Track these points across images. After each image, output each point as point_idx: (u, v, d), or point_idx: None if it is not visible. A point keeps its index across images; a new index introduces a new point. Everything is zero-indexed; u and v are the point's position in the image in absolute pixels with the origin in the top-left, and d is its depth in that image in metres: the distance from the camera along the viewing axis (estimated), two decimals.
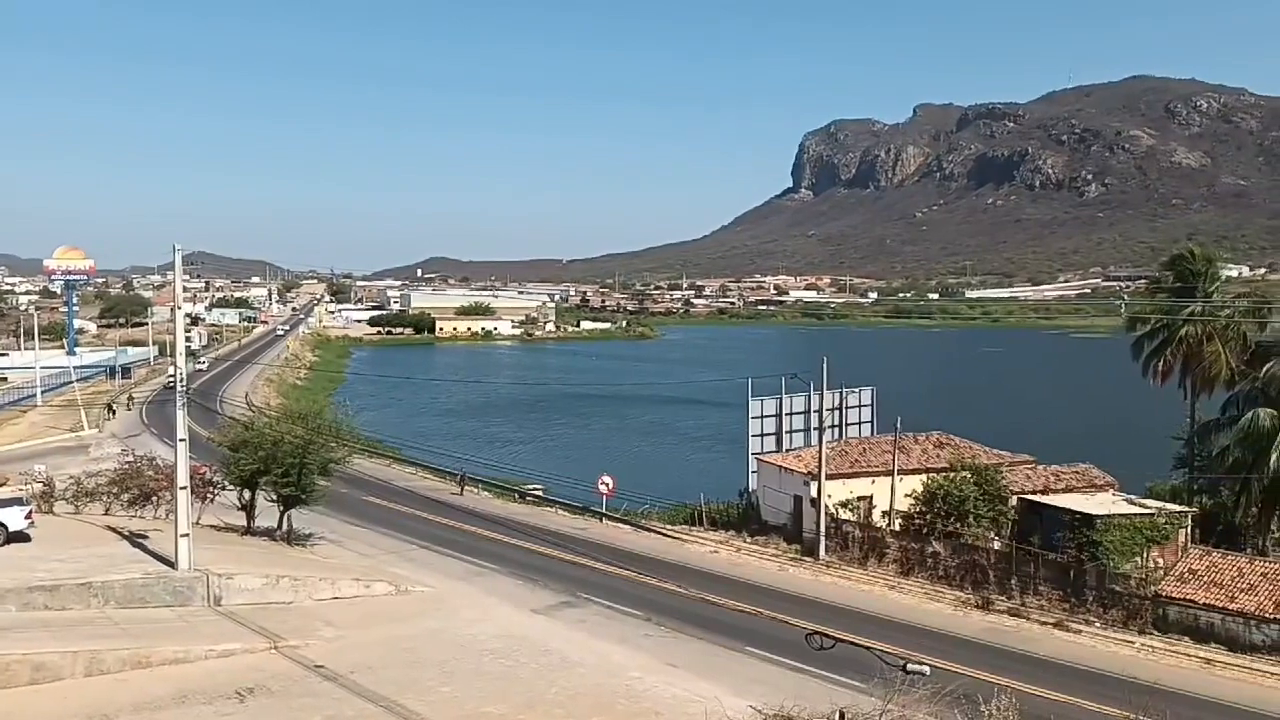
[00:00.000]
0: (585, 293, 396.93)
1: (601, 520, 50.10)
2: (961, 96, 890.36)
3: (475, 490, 57.97)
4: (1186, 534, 38.79)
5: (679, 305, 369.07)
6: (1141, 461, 51.96)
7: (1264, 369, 41.75)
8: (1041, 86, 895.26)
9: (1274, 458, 38.76)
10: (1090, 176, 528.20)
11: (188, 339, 38.53)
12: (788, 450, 49.50)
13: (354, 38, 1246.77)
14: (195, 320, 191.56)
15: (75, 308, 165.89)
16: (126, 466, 38.07)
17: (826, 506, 42.45)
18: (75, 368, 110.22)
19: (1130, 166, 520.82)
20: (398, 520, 47.28)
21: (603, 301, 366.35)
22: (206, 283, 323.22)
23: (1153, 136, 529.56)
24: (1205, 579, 33.48)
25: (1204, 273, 49.32)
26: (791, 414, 50.89)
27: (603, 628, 29.20)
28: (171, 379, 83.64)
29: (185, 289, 28.64)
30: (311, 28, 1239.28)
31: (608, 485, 51.49)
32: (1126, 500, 41.37)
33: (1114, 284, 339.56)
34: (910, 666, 15.38)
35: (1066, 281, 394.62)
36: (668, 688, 21.81)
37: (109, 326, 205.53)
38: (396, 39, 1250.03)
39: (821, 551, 41.86)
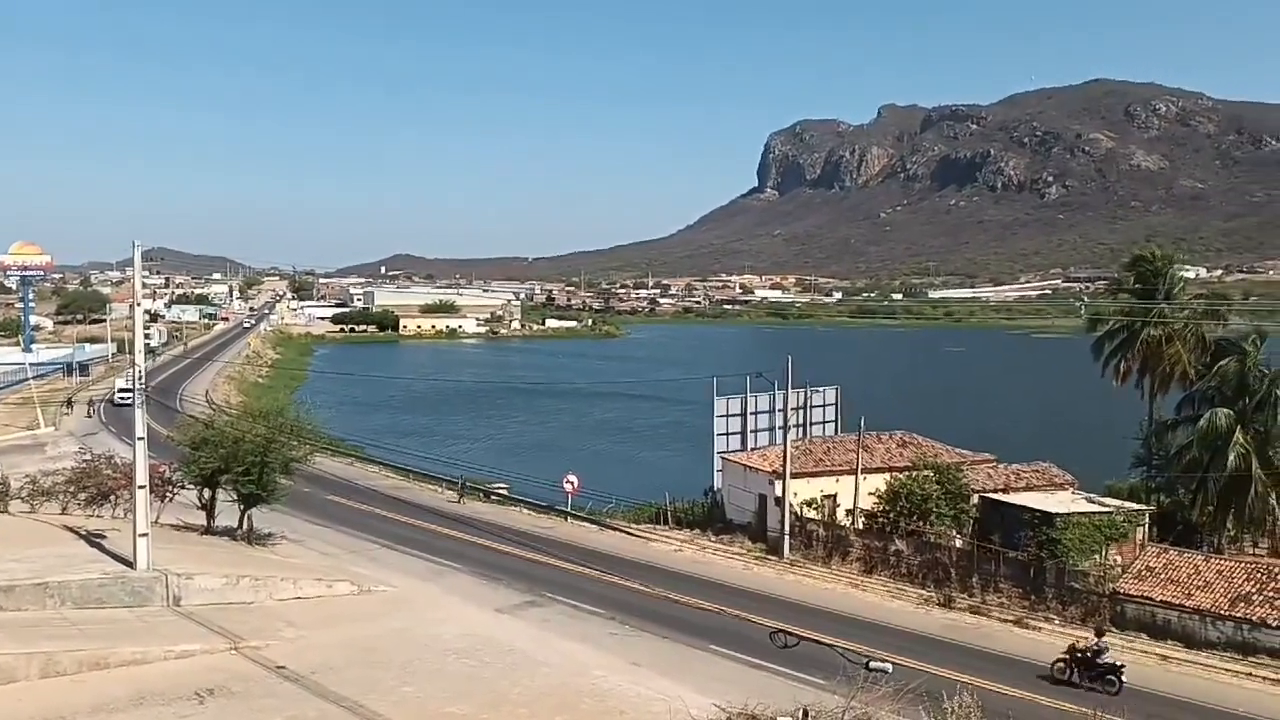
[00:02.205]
0: (551, 291, 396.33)
1: (566, 519, 50.00)
2: (925, 98, 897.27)
3: (476, 498, 55.09)
4: (1144, 532, 39.31)
5: (645, 304, 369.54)
6: (1100, 460, 52.64)
7: (1215, 368, 42.47)
8: (1003, 89, 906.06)
9: (1231, 457, 39.42)
10: (1051, 178, 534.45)
11: (147, 336, 37.93)
12: (752, 449, 49.67)
13: (318, 35, 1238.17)
14: (155, 317, 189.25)
15: (31, 304, 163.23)
16: (84, 465, 37.44)
17: (791, 505, 42.64)
18: (31, 365, 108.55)
19: (1090, 168, 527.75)
20: (360, 519, 46.95)
21: (569, 300, 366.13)
22: (166, 279, 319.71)
23: (1112, 139, 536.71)
24: (1162, 576, 33.96)
25: (1163, 274, 50.12)
26: (756, 413, 51.06)
27: (567, 627, 29.15)
28: (121, 392, 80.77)
29: (145, 285, 28.23)
30: (276, 24, 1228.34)
31: (572, 484, 51.40)
32: (1085, 498, 41.85)
33: (1074, 285, 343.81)
34: (873, 664, 15.48)
35: (1028, 282, 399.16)
36: (632, 687, 21.80)
37: (66, 323, 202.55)
38: (361, 37, 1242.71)
39: (785, 550, 42.03)
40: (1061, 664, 27.63)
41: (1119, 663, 27.28)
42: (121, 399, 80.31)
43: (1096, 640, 27.72)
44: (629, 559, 41.15)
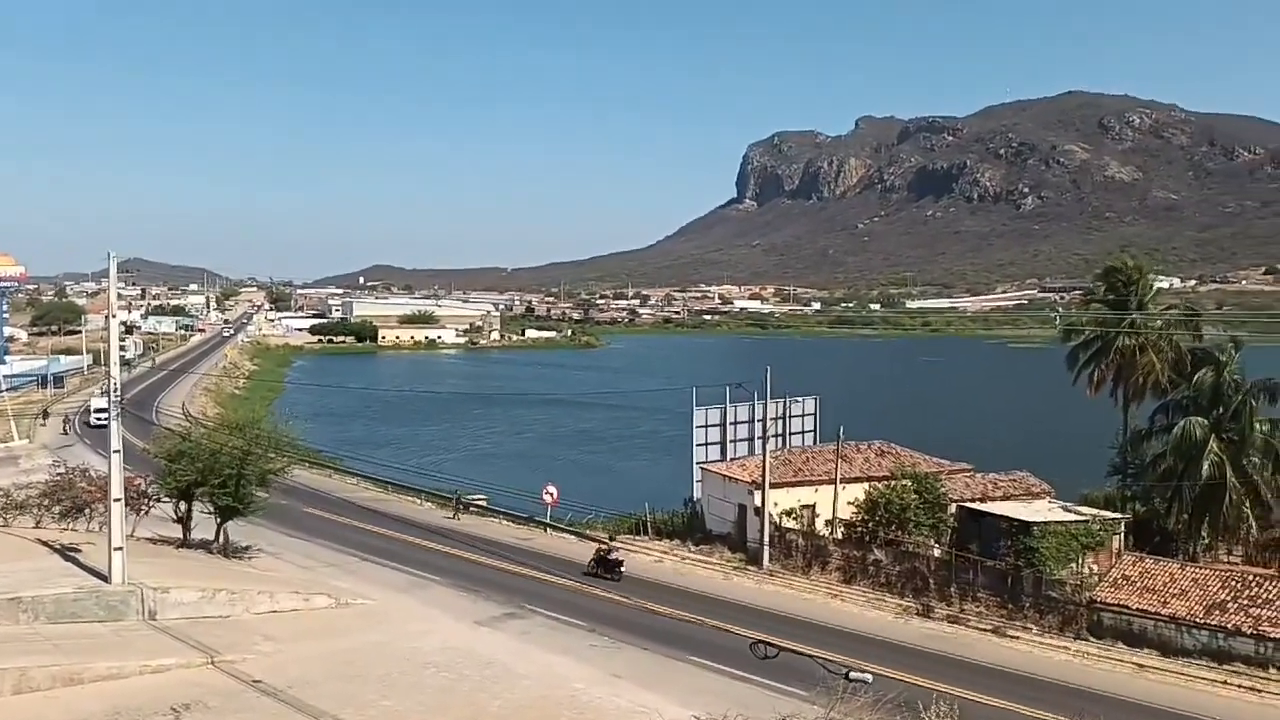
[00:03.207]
0: (530, 301, 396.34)
1: (546, 530, 49.88)
2: (902, 109, 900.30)
3: (471, 513, 54.21)
4: (1120, 540, 39.57)
5: (624, 314, 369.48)
6: (1076, 469, 52.97)
7: (1194, 378, 42.88)
8: (979, 101, 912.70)
9: (1205, 465, 39.77)
10: (1026, 189, 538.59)
11: (122, 348, 37.76)
12: (732, 459, 49.72)
13: (296, 40, 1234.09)
14: (130, 328, 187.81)
15: (5, 315, 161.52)
16: (58, 478, 37.12)
17: (770, 515, 42.70)
18: (5, 377, 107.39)
19: (1065, 180, 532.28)
20: (338, 532, 46.69)
21: (548, 310, 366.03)
22: (143, 290, 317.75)
23: (1087, 151, 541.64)
24: (1138, 585, 34.21)
25: (1137, 284, 50.57)
26: (736, 423, 51.13)
27: (547, 639, 29.04)
28: (97, 413, 76.31)
29: (120, 296, 28.06)
30: (252, 28, 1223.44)
31: (552, 495, 51.24)
32: (1062, 507, 42.07)
33: (1049, 295, 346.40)
34: (852, 675, 15.54)
35: (1004, 292, 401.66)
36: (612, 699, 21.76)
37: (41, 335, 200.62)
38: (341, 44, 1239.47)
39: (765, 560, 42.07)
40: (593, 563, 39.51)
41: (622, 560, 39.52)
42: (98, 420, 71.58)
43: (609, 542, 41.83)
44: None
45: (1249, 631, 30.92)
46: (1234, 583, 33.17)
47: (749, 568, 42.35)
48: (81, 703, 19.03)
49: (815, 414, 53.86)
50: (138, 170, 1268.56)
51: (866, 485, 43.76)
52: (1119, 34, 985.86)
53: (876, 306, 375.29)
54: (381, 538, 46.03)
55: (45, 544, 31.43)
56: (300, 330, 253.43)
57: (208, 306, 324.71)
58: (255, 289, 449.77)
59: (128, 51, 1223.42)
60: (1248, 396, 41.05)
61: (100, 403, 66.99)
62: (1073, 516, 40.05)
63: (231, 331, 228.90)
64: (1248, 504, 40.15)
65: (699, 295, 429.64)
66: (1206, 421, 40.99)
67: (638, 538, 48.27)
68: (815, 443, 52.14)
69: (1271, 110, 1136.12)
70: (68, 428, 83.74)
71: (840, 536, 43.08)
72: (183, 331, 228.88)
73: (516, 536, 48.49)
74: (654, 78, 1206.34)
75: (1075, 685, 28.14)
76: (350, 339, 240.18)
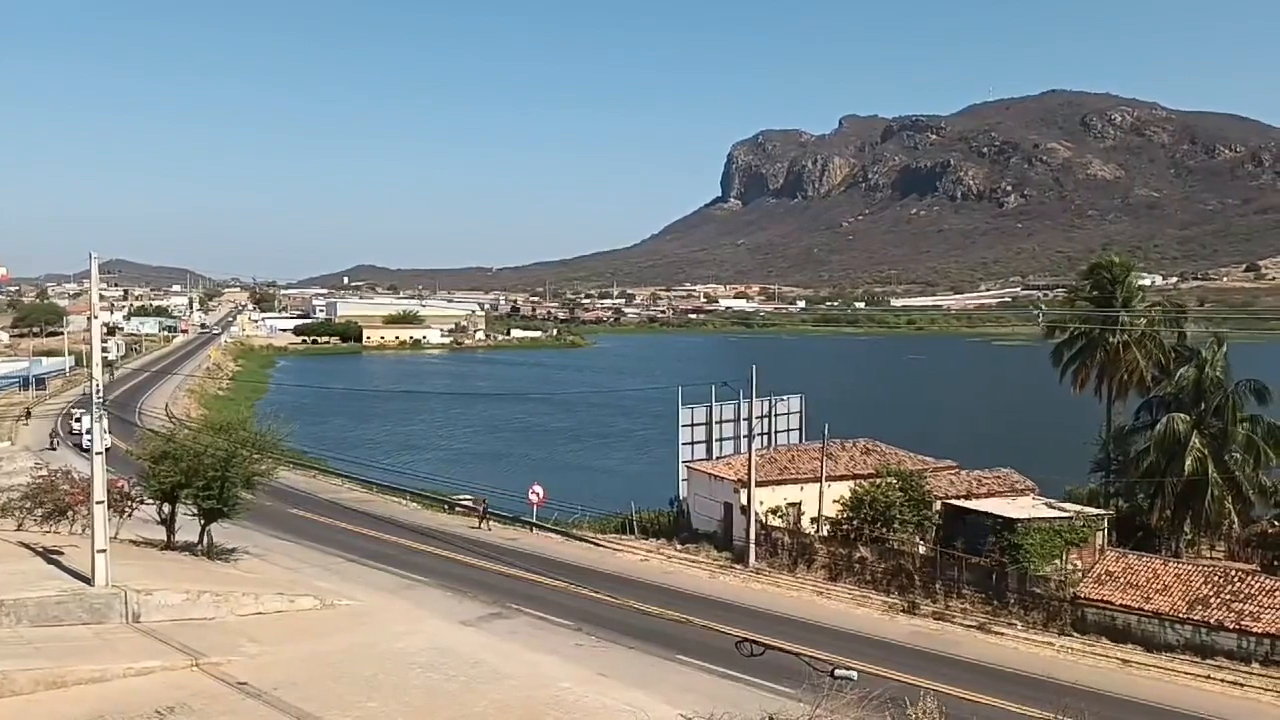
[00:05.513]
0: (516, 301, 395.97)
1: (532, 530, 49.81)
2: (886, 109, 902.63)
3: (497, 523, 52.11)
4: (1103, 536, 39.78)
5: (610, 314, 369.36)
6: (1060, 466, 53.19)
7: (1177, 375, 43.15)
8: (963, 100, 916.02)
9: (1188, 461, 40.00)
10: (1009, 188, 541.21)
11: (105, 349, 37.62)
12: (718, 458, 49.75)
13: (276, 41, 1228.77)
14: (112, 330, 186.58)
15: None
16: (40, 480, 36.90)
17: (756, 513, 42.75)
18: None
19: (1048, 178, 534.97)
20: (324, 533, 46.54)
21: (534, 310, 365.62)
22: (125, 291, 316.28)
23: (1069, 149, 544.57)
24: (1121, 581, 34.37)
25: (1121, 281, 50.84)
26: (721, 422, 51.17)
27: (533, 639, 29.00)
28: (89, 434, 71.40)
29: (102, 297, 27.86)
30: (236, 29, 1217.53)
31: (538, 494, 51.15)
32: (1046, 504, 42.25)
33: (1033, 292, 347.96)
34: (838, 672, 15.57)
35: (987, 290, 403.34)
36: (599, 698, 21.74)
37: (22, 336, 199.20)
38: (323, 44, 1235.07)
39: (751, 558, 42.13)
40: None
41: None
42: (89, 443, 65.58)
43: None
44: (595, 569, 41.05)
45: (1231, 626, 31.10)
46: (1216, 578, 33.37)
47: (735, 566, 42.39)
48: (64, 706, 18.90)
49: (801, 412, 53.94)
50: (120, 171, 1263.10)
51: (852, 483, 43.86)
52: (1101, 33, 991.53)
53: (861, 305, 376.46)
54: (367, 538, 45.90)
55: (27, 547, 31.21)
56: (284, 331, 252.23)
57: (191, 307, 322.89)
58: (239, 289, 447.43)
59: (109, 52, 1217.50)
60: (1230, 393, 41.29)
61: (88, 422, 62.62)
62: (1057, 513, 40.22)
63: (218, 331, 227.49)
64: (1230, 499, 40.40)
65: (684, 294, 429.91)
66: (1189, 417, 41.24)
67: (624, 537, 48.27)
68: (801, 441, 52.21)
69: (1252, 108, 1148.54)
70: (56, 442, 74.61)
71: (826, 534, 43.16)
72: (166, 333, 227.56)
73: (503, 536, 48.39)
74: (638, 77, 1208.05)
75: (1060, 681, 28.25)
76: (335, 339, 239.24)
